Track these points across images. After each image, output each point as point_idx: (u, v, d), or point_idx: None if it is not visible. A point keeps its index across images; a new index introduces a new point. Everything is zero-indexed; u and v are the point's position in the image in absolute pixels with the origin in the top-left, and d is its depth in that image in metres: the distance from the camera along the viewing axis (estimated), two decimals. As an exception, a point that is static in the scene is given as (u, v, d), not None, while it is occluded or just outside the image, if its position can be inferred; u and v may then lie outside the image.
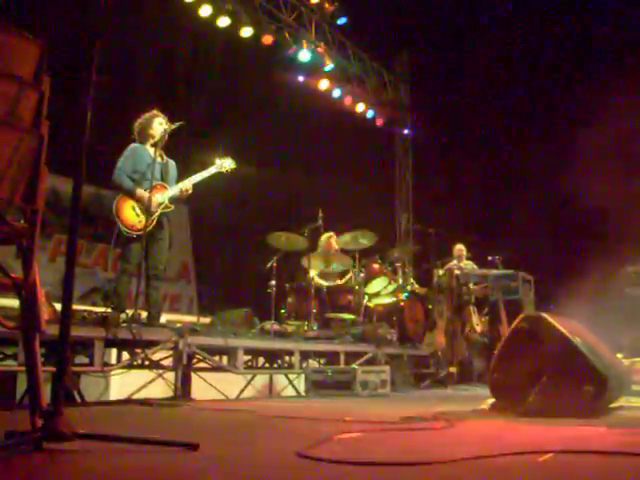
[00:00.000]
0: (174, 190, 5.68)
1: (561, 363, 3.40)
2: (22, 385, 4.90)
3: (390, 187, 13.26)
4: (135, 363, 5.29)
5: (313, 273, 7.99)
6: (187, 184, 5.75)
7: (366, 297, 8.23)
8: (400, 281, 8.62)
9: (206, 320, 7.45)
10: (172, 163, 5.91)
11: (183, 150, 6.35)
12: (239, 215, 10.08)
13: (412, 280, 9.14)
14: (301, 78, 10.83)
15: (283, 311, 7.77)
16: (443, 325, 8.12)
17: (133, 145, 5.72)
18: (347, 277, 8.40)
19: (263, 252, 7.87)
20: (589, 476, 1.95)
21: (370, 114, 12.27)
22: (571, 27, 10.64)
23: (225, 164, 5.98)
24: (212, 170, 5.92)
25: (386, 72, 12.67)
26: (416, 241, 11.69)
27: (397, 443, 2.70)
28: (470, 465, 2.06)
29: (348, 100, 11.72)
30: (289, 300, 7.86)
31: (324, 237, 8.38)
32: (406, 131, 13.32)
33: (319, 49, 10.59)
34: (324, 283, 8.08)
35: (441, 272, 8.75)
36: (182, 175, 5.92)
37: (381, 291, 8.48)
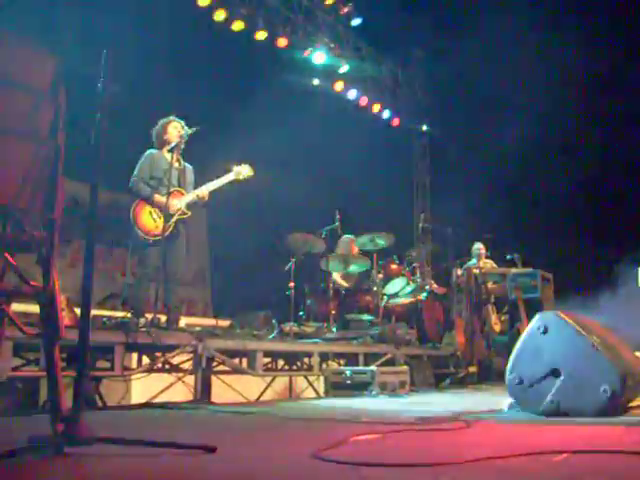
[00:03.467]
0: (191, 196, 5.71)
1: (578, 362, 3.39)
2: (45, 390, 4.96)
3: (407, 187, 13.24)
4: (155, 367, 5.34)
5: (333, 275, 8.02)
6: (204, 191, 5.77)
7: (385, 298, 8.23)
8: (419, 281, 8.60)
9: (225, 323, 7.49)
10: (190, 168, 5.94)
11: (200, 155, 6.38)
12: (257, 217, 10.12)
13: (431, 280, 9.12)
14: (316, 80, 10.85)
15: (302, 313, 7.79)
16: (462, 325, 8.10)
17: (150, 151, 5.77)
18: (363, 277, 8.42)
19: (281, 254, 7.89)
20: (605, 476, 1.95)
21: (386, 114, 12.27)
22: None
23: (243, 171, 5.97)
24: (230, 177, 5.93)
25: (401, 72, 12.66)
26: (434, 241, 11.67)
27: (414, 444, 2.71)
28: (486, 466, 2.07)
29: (364, 101, 11.73)
30: (308, 302, 7.89)
31: (344, 239, 8.40)
32: (424, 128, 13.26)
33: (334, 51, 10.61)
34: (343, 284, 8.10)
35: (460, 271, 8.74)
36: (200, 180, 5.95)
37: (400, 291, 8.47)
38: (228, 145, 8.92)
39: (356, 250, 8.34)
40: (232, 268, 10.37)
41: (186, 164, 5.92)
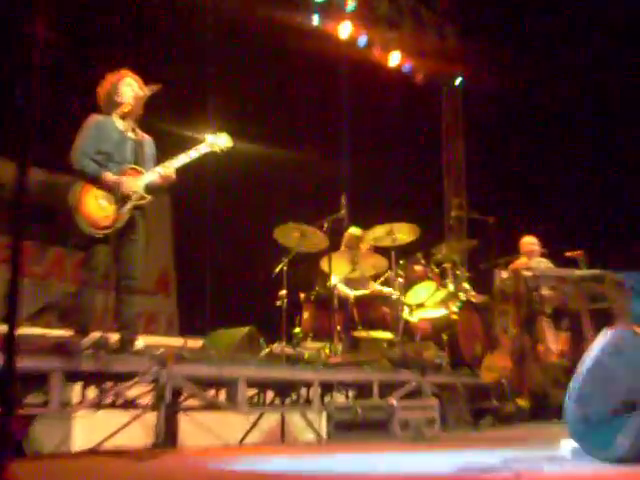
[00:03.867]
0: (151, 176, 5.68)
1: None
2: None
3: (436, 163, 13.22)
4: (104, 402, 5.34)
5: (336, 279, 8.02)
6: (168, 168, 5.75)
7: (406, 309, 8.23)
8: (451, 287, 8.61)
9: (196, 343, 7.50)
10: (148, 140, 5.93)
11: (164, 123, 6.37)
12: (237, 205, 10.11)
13: (467, 285, 9.12)
14: (315, 22, 10.82)
15: (297, 330, 7.80)
16: (508, 344, 8.10)
17: (96, 117, 5.73)
18: (380, 283, 8.42)
19: (269, 252, 7.89)
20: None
21: (407, 67, 12.24)
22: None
23: (219, 142, 5.98)
24: (202, 149, 5.93)
25: (426, 11, 12.62)
26: (471, 234, 11.66)
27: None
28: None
29: (377, 50, 11.70)
30: (305, 315, 7.90)
31: (350, 232, 8.41)
32: (458, 82, 13.20)
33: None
34: (351, 292, 8.10)
35: (505, 274, 8.72)
36: (162, 155, 5.93)
37: (426, 301, 8.48)
38: (200, 109, 8.92)
39: (365, 244, 8.33)
40: (204, 271, 10.37)
41: (144, 135, 5.90)
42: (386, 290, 8.21)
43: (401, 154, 11.62)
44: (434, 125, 13.34)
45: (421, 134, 12.66)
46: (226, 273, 10.04)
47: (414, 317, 8.39)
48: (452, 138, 13.37)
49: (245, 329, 7.22)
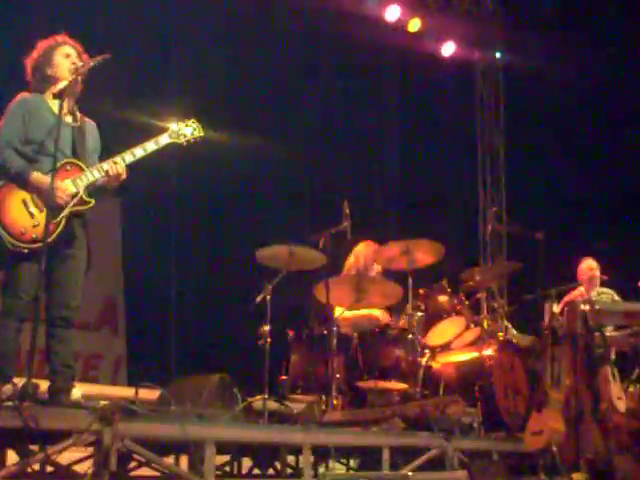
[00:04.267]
0: (95, 173, 5.65)
1: None
2: None
3: (468, 162, 13.24)
4: (29, 470, 5.28)
5: (336, 311, 7.98)
6: (118, 164, 5.69)
7: (427, 352, 8.20)
8: (486, 324, 8.57)
9: (150, 394, 7.45)
10: (92, 126, 5.95)
11: (114, 105, 6.34)
12: (207, 213, 10.12)
13: (506, 322, 9.10)
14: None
15: (284, 378, 7.77)
16: (561, 399, 8.05)
17: (24, 96, 5.72)
18: (394, 318, 8.39)
19: (249, 277, 7.87)
20: None
21: (431, 37, 12.26)
22: None
23: (186, 131, 6.01)
24: (162, 141, 5.93)
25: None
26: (513, 254, 11.64)
27: None
28: None
29: (393, 13, 11.70)
30: (294, 358, 7.88)
31: (358, 250, 8.46)
32: (497, 56, 13.24)
33: None
34: (355, 327, 8.07)
35: (557, 308, 8.69)
36: (111, 147, 5.92)
37: (453, 341, 8.45)
38: (163, 87, 8.92)
39: (375, 266, 8.31)
40: (164, 300, 10.35)
41: (87, 120, 5.90)
42: (401, 327, 8.18)
43: (422, 151, 11.63)
44: (467, 114, 13.33)
45: (449, 125, 12.66)
46: (191, 303, 10.03)
47: (437, 363, 8.35)
48: (489, 131, 13.38)
49: (215, 377, 7.16)
